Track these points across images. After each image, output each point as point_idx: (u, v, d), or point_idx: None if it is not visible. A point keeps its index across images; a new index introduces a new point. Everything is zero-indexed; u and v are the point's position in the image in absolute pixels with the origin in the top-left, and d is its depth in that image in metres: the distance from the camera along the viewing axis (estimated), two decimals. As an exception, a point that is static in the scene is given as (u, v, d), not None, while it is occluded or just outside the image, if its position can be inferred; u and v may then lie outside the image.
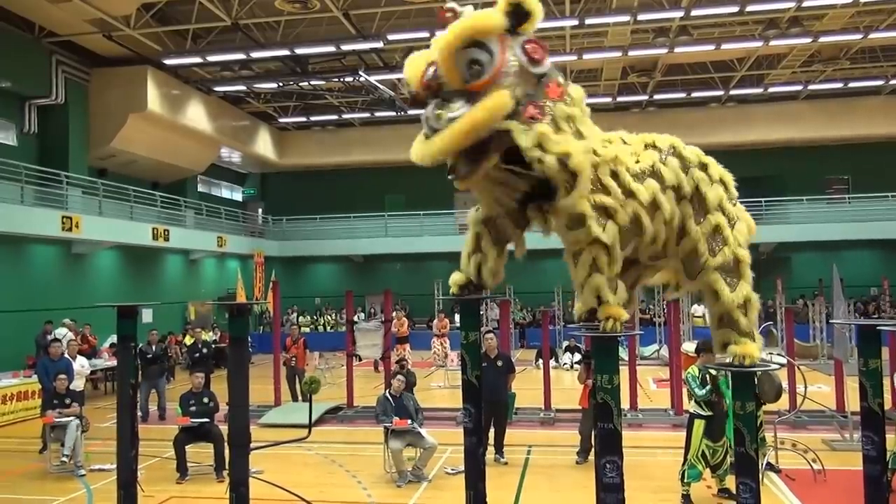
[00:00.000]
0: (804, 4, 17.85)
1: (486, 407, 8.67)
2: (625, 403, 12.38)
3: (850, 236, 26.19)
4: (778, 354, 13.81)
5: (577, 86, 4.27)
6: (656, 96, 26.20)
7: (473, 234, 4.67)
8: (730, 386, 6.49)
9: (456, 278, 4.77)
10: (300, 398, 13.88)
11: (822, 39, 20.26)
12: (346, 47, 19.86)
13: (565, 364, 19.76)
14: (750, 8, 17.81)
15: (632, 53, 21.05)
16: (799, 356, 17.49)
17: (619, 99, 26.26)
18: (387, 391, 9.78)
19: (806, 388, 9.98)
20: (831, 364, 13.63)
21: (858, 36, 20.34)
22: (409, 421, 9.14)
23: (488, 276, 4.61)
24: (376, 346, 14.02)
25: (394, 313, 17.22)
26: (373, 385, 16.19)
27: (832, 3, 18.19)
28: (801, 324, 21.03)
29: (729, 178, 4.82)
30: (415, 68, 4.02)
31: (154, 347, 13.82)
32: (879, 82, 25.14)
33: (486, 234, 4.61)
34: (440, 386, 17.05)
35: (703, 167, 4.71)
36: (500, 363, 10.06)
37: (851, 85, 25.18)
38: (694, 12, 18.29)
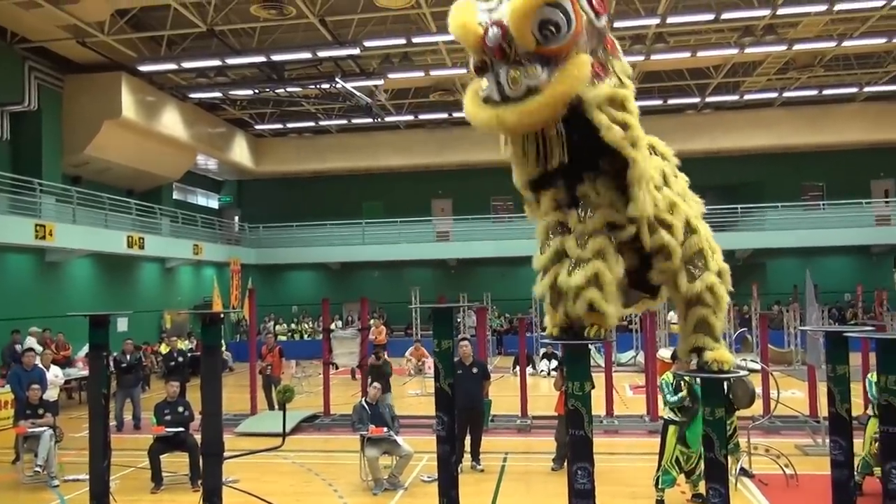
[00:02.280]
0: (779, 12, 18.08)
1: (462, 414, 8.70)
2: (601, 410, 12.45)
3: (825, 243, 26.49)
4: (752, 360, 13.96)
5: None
6: (633, 103, 26.34)
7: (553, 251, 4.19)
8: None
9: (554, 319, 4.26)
10: (276, 407, 13.77)
11: (797, 47, 20.52)
12: (322, 54, 19.79)
13: (542, 371, 19.79)
14: (725, 15, 18.02)
15: (608, 60, 21.16)
16: (774, 362, 17.64)
17: (597, 106, 26.36)
18: (363, 399, 9.74)
19: (779, 393, 10.07)
20: (805, 370, 13.76)
21: (832, 44, 20.61)
22: (386, 429, 9.11)
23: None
24: (353, 354, 13.97)
25: (371, 321, 17.19)
26: (350, 393, 16.11)
27: (806, 11, 18.45)
28: (776, 330, 21.25)
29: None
30: (469, 28, 3.67)
31: (129, 356, 13.65)
32: (853, 89, 25.50)
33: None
34: (417, 394, 17.00)
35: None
36: (475, 370, 10.06)
37: (826, 92, 25.50)
38: (670, 20, 18.44)
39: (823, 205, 28.41)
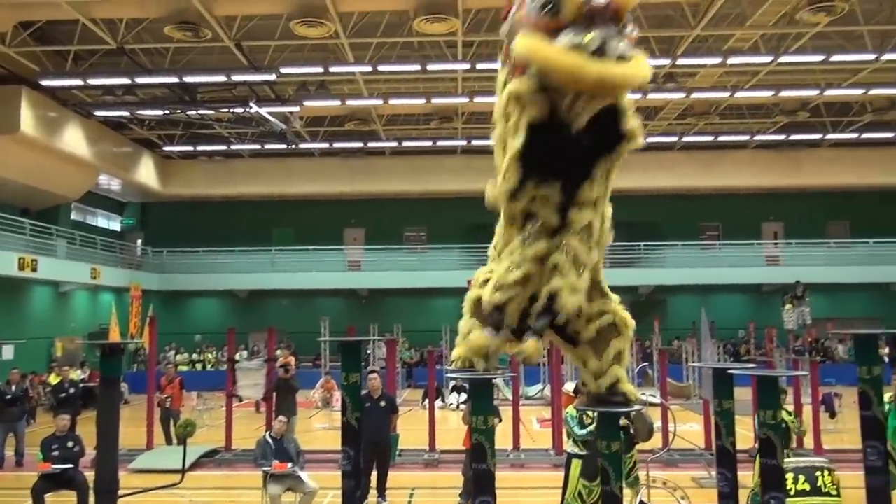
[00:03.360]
0: (678, 62, 19.19)
1: (369, 448, 8.61)
2: (508, 444, 12.55)
3: (720, 281, 27.85)
4: (651, 395, 14.41)
5: None
6: (544, 141, 27.15)
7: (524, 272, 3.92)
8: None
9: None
10: (174, 441, 13.21)
11: (695, 95, 21.87)
12: (237, 78, 19.51)
13: (451, 404, 19.79)
14: (630, 63, 18.94)
15: (521, 99, 21.84)
16: (673, 396, 18.25)
17: (510, 143, 27.03)
18: (267, 433, 9.49)
19: (676, 426, 10.42)
20: (702, 403, 14.30)
21: (726, 94, 22.03)
22: (290, 464, 8.88)
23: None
24: (258, 386, 13.60)
25: (278, 351, 16.80)
26: (254, 427, 15.62)
27: (703, 63, 19.65)
28: (675, 364, 22.02)
29: None
30: None
31: (14, 387, 12.85)
32: (745, 137, 27.18)
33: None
34: (324, 427, 16.68)
35: None
36: (383, 403, 9.99)
37: (721, 138, 27.10)
38: (579, 63, 19.23)
39: (720, 244, 29.89)
